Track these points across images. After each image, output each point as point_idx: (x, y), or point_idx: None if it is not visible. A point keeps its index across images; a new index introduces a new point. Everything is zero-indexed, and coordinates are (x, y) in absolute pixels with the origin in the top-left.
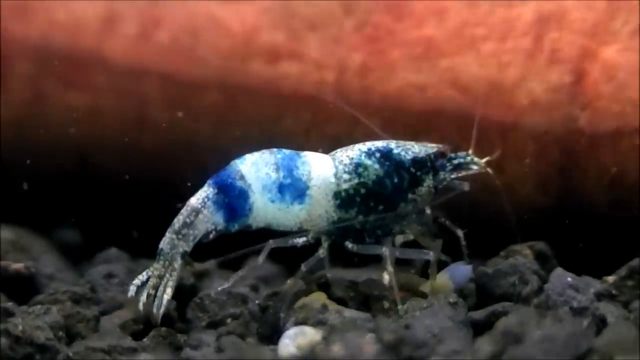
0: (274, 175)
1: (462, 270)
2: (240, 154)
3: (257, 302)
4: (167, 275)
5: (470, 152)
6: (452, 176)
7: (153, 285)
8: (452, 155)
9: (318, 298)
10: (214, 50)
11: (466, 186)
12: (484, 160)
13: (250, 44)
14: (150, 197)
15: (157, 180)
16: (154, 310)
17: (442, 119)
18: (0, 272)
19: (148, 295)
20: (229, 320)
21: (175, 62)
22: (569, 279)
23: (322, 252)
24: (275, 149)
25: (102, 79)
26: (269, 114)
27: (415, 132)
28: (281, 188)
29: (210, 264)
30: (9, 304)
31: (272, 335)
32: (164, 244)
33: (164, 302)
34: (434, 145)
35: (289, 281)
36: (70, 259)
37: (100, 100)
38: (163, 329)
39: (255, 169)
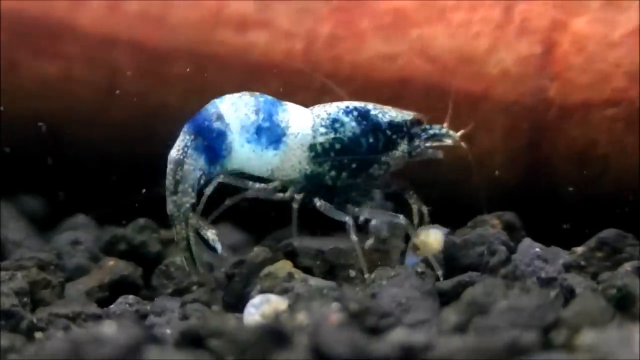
0: (253, 117)
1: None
2: None
3: (223, 270)
4: (193, 233)
5: (445, 125)
6: (427, 145)
7: (183, 248)
8: (428, 125)
9: (284, 266)
10: (184, 20)
11: (440, 154)
12: (458, 133)
13: (220, 12)
14: (120, 165)
15: (126, 148)
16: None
17: (411, 88)
18: None
19: (185, 259)
20: (194, 288)
21: (146, 31)
22: (537, 249)
23: (282, 196)
24: (257, 93)
25: (74, 48)
26: (237, 82)
27: (385, 102)
28: (259, 130)
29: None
30: None
31: (237, 303)
32: (169, 208)
33: (217, 246)
34: (410, 112)
35: (255, 249)
36: (38, 226)
37: (71, 69)
38: (130, 296)
39: (235, 108)
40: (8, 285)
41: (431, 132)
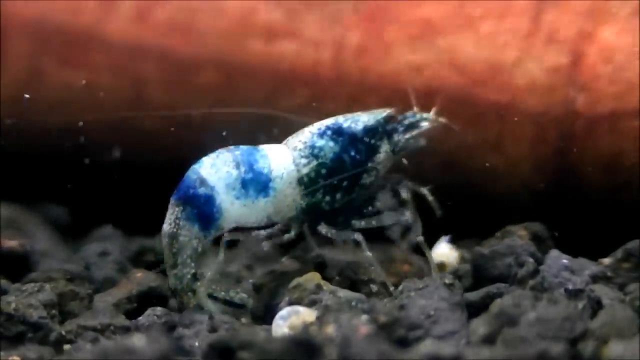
0: (234, 172)
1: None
2: (236, 132)
3: (251, 281)
4: (205, 301)
5: (415, 109)
6: (407, 136)
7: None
8: (401, 116)
9: (312, 278)
10: (211, 29)
11: (422, 141)
12: (431, 113)
13: (248, 22)
14: (146, 175)
15: (153, 158)
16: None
17: (439, 98)
18: None
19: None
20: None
21: (173, 41)
22: (565, 260)
23: (289, 236)
24: (232, 147)
25: (100, 57)
26: (265, 92)
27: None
28: (244, 184)
29: None
30: (2, 282)
31: (265, 315)
32: (171, 283)
33: (248, 303)
34: (382, 110)
35: (283, 260)
36: (64, 237)
37: (97, 78)
38: (158, 308)
39: (215, 169)
40: (36, 297)
41: (406, 122)
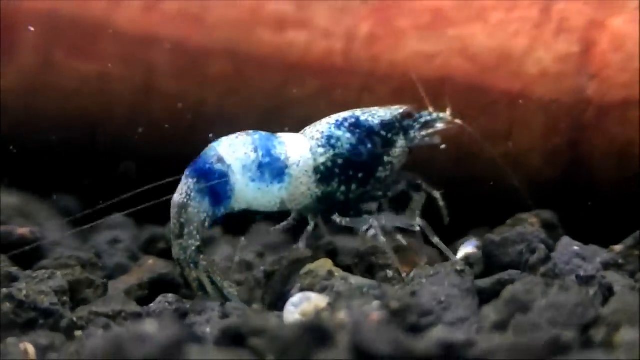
0: (252, 155)
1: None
2: (247, 122)
3: (262, 268)
4: (205, 276)
5: (431, 109)
6: (422, 134)
7: (196, 289)
8: (418, 114)
9: (324, 265)
10: (222, 19)
11: (437, 139)
12: (447, 113)
13: (258, 12)
14: (157, 164)
15: (164, 148)
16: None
17: (450, 87)
18: (5, 237)
19: (209, 296)
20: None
21: (184, 31)
22: (576, 247)
23: (309, 228)
24: (251, 131)
25: (111, 47)
26: (276, 82)
27: (423, 101)
28: (261, 167)
29: (215, 230)
30: (13, 269)
31: (277, 302)
32: (175, 253)
33: (233, 298)
34: (398, 106)
35: (294, 247)
36: (74, 225)
37: (108, 68)
38: (169, 295)
39: (234, 149)
40: (47, 284)
41: (422, 120)
